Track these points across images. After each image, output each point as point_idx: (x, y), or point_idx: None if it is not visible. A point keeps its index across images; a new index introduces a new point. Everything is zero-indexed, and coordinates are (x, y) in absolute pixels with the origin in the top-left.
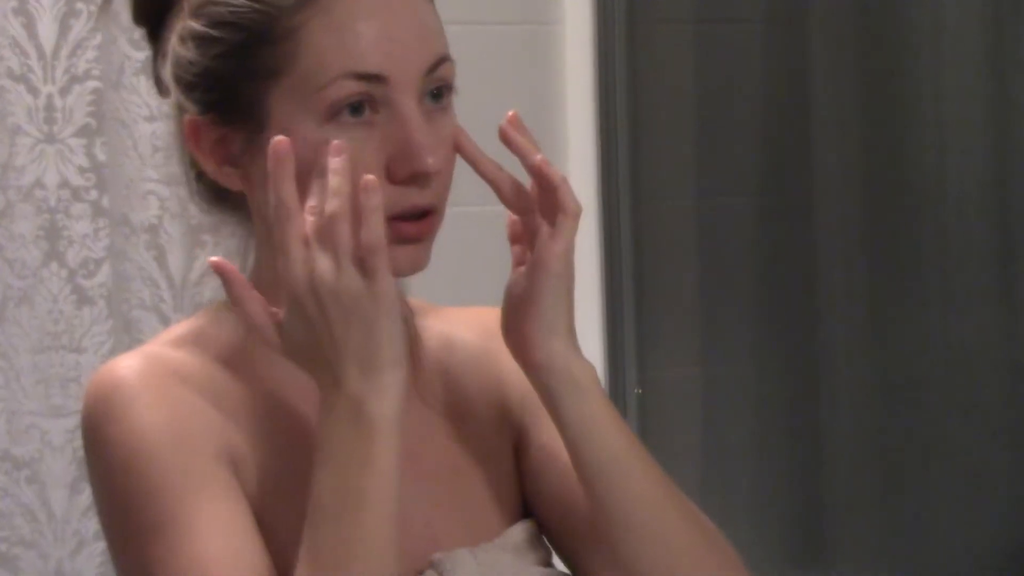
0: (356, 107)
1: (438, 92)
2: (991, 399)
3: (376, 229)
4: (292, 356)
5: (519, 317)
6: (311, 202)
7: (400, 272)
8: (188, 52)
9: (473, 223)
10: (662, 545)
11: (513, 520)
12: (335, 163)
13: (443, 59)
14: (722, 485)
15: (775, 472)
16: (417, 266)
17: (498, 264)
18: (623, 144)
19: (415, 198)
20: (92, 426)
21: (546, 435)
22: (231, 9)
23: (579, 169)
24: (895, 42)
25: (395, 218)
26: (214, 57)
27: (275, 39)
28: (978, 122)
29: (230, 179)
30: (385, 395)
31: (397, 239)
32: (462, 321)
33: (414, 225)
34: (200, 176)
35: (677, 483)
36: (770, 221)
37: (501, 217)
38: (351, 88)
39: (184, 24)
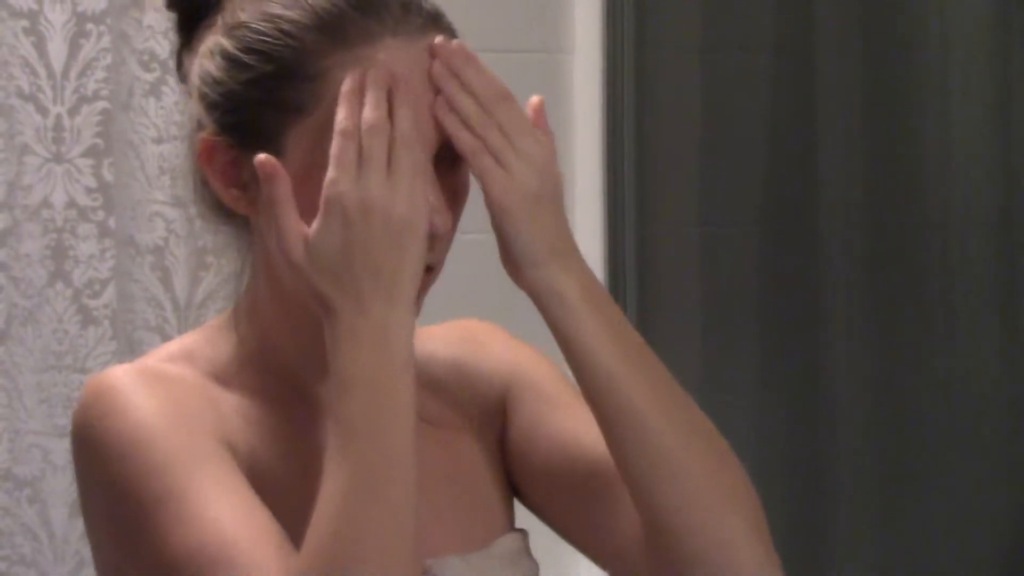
0: None
1: (455, 155)
2: (993, 431)
3: (423, 148)
4: (316, 272)
5: (501, 251)
6: (347, 118)
7: None
8: (216, 70)
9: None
10: (663, 460)
11: (504, 531)
12: (365, 77)
13: None
14: None
15: (776, 501)
16: None
17: (492, 292)
18: (629, 172)
19: None
20: (87, 424)
21: (527, 410)
22: (264, 39)
23: (585, 196)
24: (902, 73)
25: None
26: (241, 82)
27: (305, 77)
28: (985, 154)
29: (237, 202)
30: (405, 327)
31: None
32: (436, 336)
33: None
34: (207, 187)
35: None
36: (775, 251)
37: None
38: None
39: (216, 40)
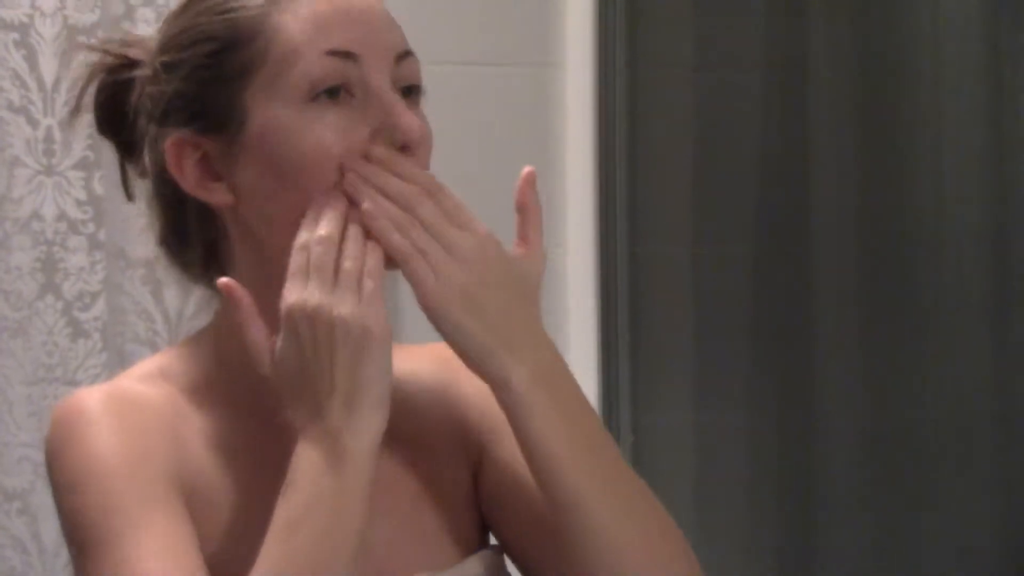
0: (332, 90)
1: (408, 91)
2: (983, 448)
3: (376, 258)
4: (280, 385)
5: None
6: (304, 235)
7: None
8: (160, 85)
9: None
10: (615, 549)
11: (472, 550)
12: (325, 199)
13: (410, 52)
14: (716, 530)
15: (768, 518)
16: None
17: None
18: (621, 188)
19: (397, 172)
20: (53, 449)
21: (504, 450)
22: (194, 30)
23: (577, 212)
24: (894, 90)
25: None
26: (184, 77)
27: (245, 41)
28: (977, 171)
29: (216, 194)
30: (363, 433)
31: None
32: (420, 355)
33: None
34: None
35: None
36: (766, 268)
37: None
38: (325, 67)
39: (151, 69)
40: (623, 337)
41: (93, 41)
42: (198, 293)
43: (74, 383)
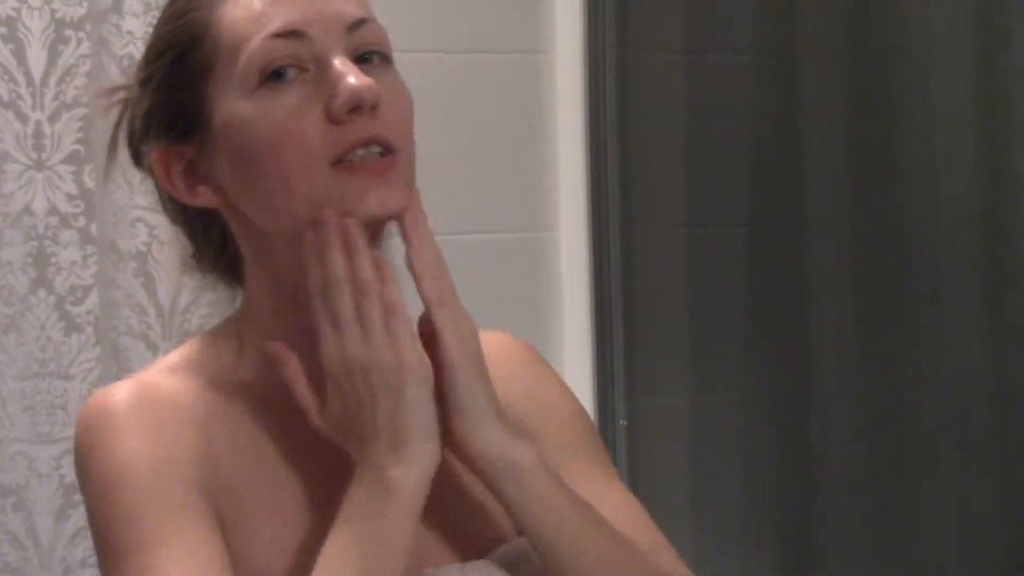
0: (279, 72)
1: (368, 56)
2: (981, 429)
3: (391, 289)
4: (334, 434)
5: (445, 416)
6: (314, 278)
7: (369, 213)
8: (140, 104)
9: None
10: None
11: (504, 538)
12: (317, 232)
13: (365, 20)
14: (710, 514)
15: (763, 502)
16: (385, 205)
17: (488, 292)
18: (613, 173)
19: (358, 131)
20: (81, 453)
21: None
22: (163, 38)
23: (569, 196)
24: (885, 72)
25: (347, 161)
26: (155, 89)
27: (199, 41)
28: (970, 155)
29: (206, 197)
30: (412, 467)
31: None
32: None
33: (375, 162)
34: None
35: (665, 512)
36: (760, 251)
37: (486, 245)
38: (270, 50)
39: (134, 92)
40: (617, 320)
41: (110, 85)
42: (191, 286)
43: (68, 377)
